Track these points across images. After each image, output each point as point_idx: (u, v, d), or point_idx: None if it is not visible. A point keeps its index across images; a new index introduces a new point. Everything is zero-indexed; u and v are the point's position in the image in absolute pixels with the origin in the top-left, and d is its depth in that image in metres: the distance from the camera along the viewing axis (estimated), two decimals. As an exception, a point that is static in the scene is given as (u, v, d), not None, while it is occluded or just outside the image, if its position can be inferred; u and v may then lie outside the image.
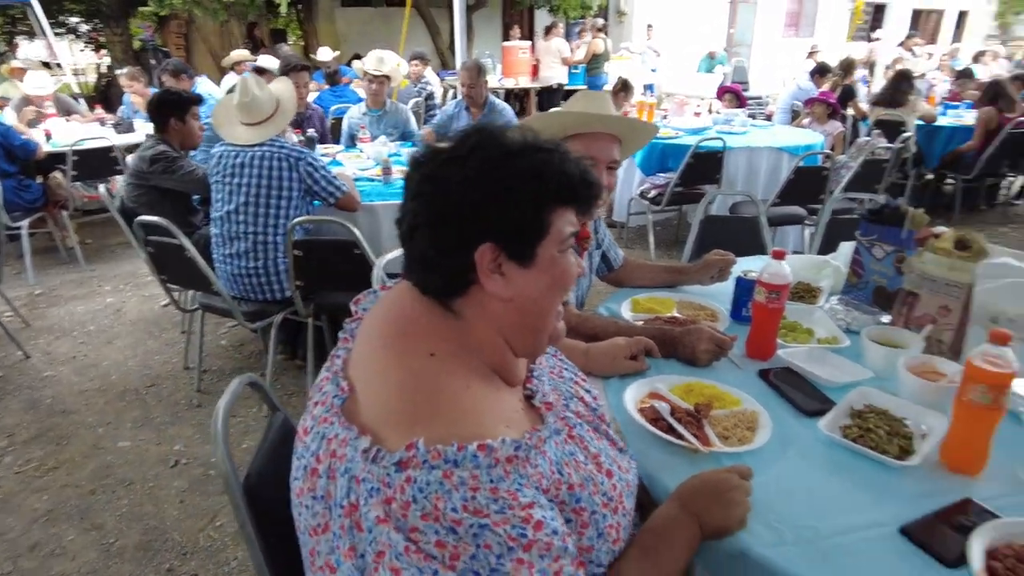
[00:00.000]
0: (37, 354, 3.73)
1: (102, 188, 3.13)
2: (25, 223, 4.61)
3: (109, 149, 4.94)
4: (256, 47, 11.03)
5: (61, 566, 2.23)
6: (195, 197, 3.51)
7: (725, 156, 4.62)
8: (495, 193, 0.85)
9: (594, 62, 10.49)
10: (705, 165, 4.61)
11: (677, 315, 1.77)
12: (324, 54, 8.82)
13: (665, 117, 5.89)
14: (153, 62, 11.20)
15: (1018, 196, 6.61)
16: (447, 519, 0.73)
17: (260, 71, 5.05)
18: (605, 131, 1.65)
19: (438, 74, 10.74)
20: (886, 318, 1.69)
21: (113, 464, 2.75)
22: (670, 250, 5.36)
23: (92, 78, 13.54)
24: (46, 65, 9.12)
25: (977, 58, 7.87)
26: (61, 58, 9.24)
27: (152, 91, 6.34)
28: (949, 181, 6.31)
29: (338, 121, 5.39)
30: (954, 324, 1.50)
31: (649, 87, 10.85)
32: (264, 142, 2.77)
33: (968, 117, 6.31)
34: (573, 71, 10.85)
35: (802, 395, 1.39)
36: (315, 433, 0.85)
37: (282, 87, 3.05)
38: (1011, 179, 6.50)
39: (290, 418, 1.38)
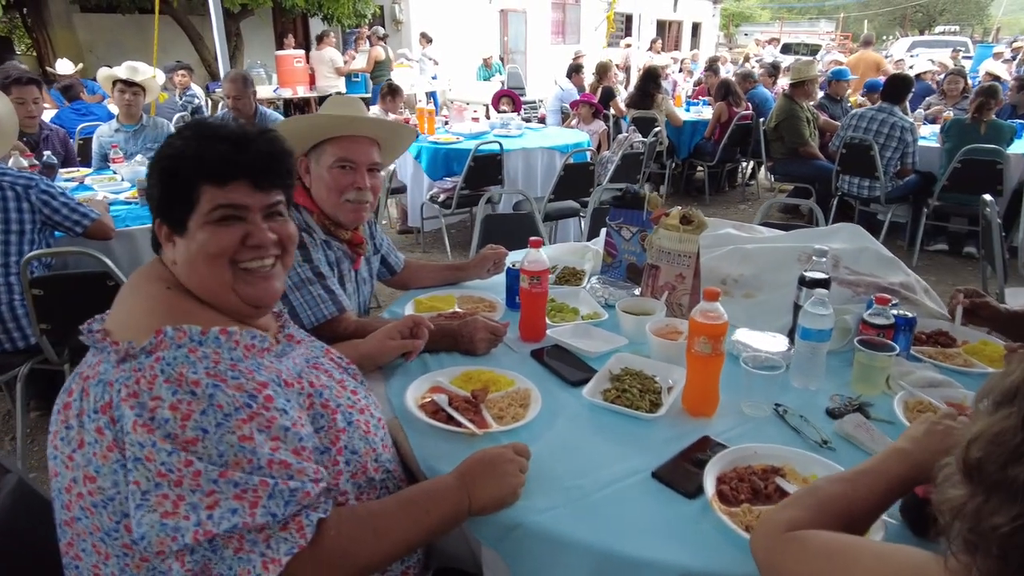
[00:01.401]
0: None
1: None
2: None
3: None
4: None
5: None
6: None
7: (504, 158, 4.86)
8: (152, 175, 1.03)
9: (377, 70, 10.43)
10: (487, 167, 4.81)
11: (458, 310, 1.84)
12: (63, 66, 7.72)
13: (447, 123, 6.05)
14: None
15: (751, 178, 7.77)
16: (188, 382, 0.86)
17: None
18: (357, 133, 1.66)
19: (207, 86, 9.98)
20: (637, 291, 1.90)
21: None
22: (466, 250, 5.50)
23: None
24: None
25: (712, 64, 9.14)
26: None
27: None
28: (699, 169, 7.25)
29: (87, 141, 4.77)
30: (688, 289, 1.73)
31: (432, 95, 11.04)
32: None
33: (707, 112, 7.28)
34: (354, 79, 10.69)
35: (569, 368, 1.52)
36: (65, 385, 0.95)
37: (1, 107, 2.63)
38: (744, 164, 7.63)
39: (29, 481, 1.21)
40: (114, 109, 5.21)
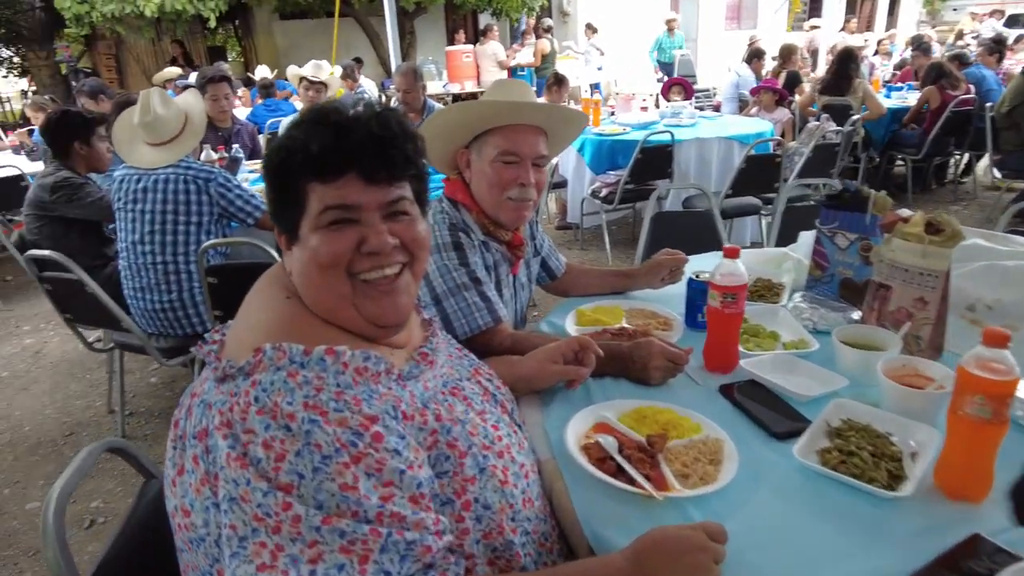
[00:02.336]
0: (-60, 410, 3.37)
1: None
2: (-71, 264, 4.23)
3: (20, 178, 4.56)
4: (189, 65, 10.60)
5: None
6: (111, 225, 3.22)
7: (675, 149, 4.48)
8: (266, 177, 0.90)
9: (544, 63, 10.34)
10: (655, 160, 4.46)
11: (626, 326, 1.58)
12: (262, 72, 8.50)
13: (613, 113, 5.75)
14: (75, 84, 10.68)
15: (964, 174, 6.64)
16: (283, 414, 0.72)
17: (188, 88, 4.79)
18: (523, 122, 1.45)
19: (382, 83, 10.49)
20: (856, 314, 1.53)
21: (18, 531, 2.44)
22: (627, 249, 5.21)
23: (19, 105, 12.89)
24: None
25: (919, 43, 7.94)
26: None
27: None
28: (899, 162, 6.31)
29: (274, 135, 5.13)
30: (932, 318, 1.33)
31: (596, 86, 10.75)
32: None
33: (912, 98, 6.32)
34: (519, 72, 10.68)
35: (771, 413, 1.20)
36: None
37: (191, 100, 2.77)
38: (958, 157, 6.53)
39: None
40: (299, 105, 5.57)
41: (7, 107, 14.02)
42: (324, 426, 0.73)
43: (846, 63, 5.79)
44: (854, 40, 9.99)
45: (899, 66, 8.90)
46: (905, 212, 1.44)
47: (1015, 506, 0.87)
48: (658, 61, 11.50)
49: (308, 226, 0.86)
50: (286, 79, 8.67)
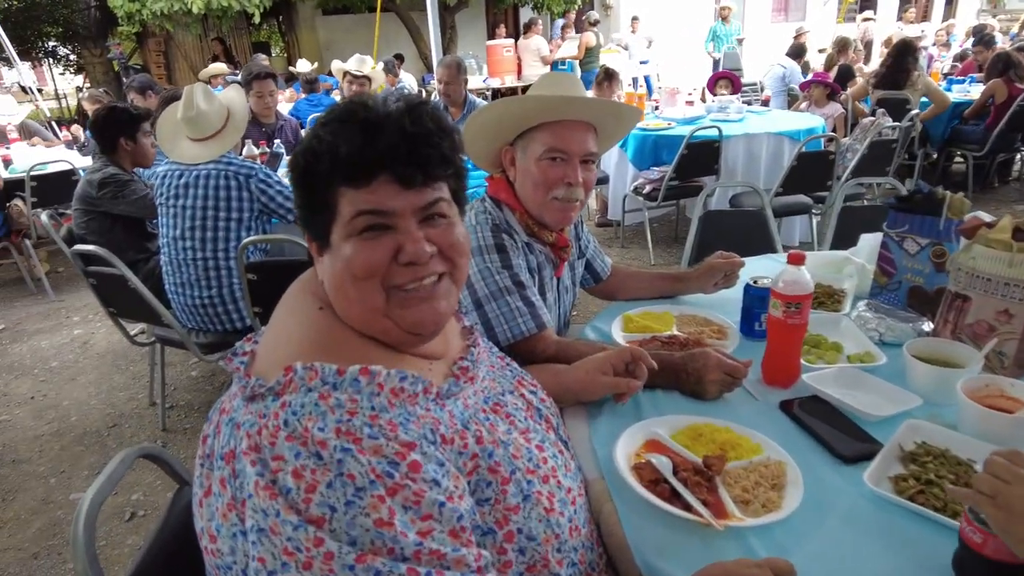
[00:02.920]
0: (-6, 397, 3.46)
1: (44, 215, 2.86)
2: (-15, 255, 4.37)
3: (71, 172, 4.67)
4: (230, 62, 10.78)
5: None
6: (154, 220, 3.25)
7: (722, 145, 4.34)
8: (293, 181, 0.85)
9: (587, 56, 10.19)
10: (701, 156, 4.33)
11: (677, 333, 1.49)
12: (302, 65, 8.57)
13: (657, 108, 5.61)
14: (126, 80, 10.97)
15: (1030, 171, 6.31)
16: (314, 441, 0.68)
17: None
18: (574, 118, 1.37)
19: (422, 78, 10.50)
20: (927, 325, 1.42)
21: (62, 521, 2.48)
22: (670, 248, 5.08)
23: (75, 101, 13.33)
24: (24, 90, 8.91)
25: (982, 34, 7.54)
26: (46, 82, 9.08)
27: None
28: (958, 159, 6.01)
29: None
30: (1018, 332, 1.22)
31: (646, 79, 10.55)
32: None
33: (975, 92, 6.02)
34: (560, 66, 10.56)
35: (837, 433, 1.11)
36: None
37: (233, 96, 2.77)
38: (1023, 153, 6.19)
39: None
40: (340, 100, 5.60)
41: (64, 103, 14.50)
42: (358, 455, 0.68)
43: (904, 55, 5.52)
44: (911, 31, 9.58)
45: (959, 58, 8.49)
46: (988, 217, 1.33)
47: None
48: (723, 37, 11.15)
49: (340, 233, 0.80)
50: (328, 73, 8.76)
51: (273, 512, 0.66)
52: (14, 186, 4.60)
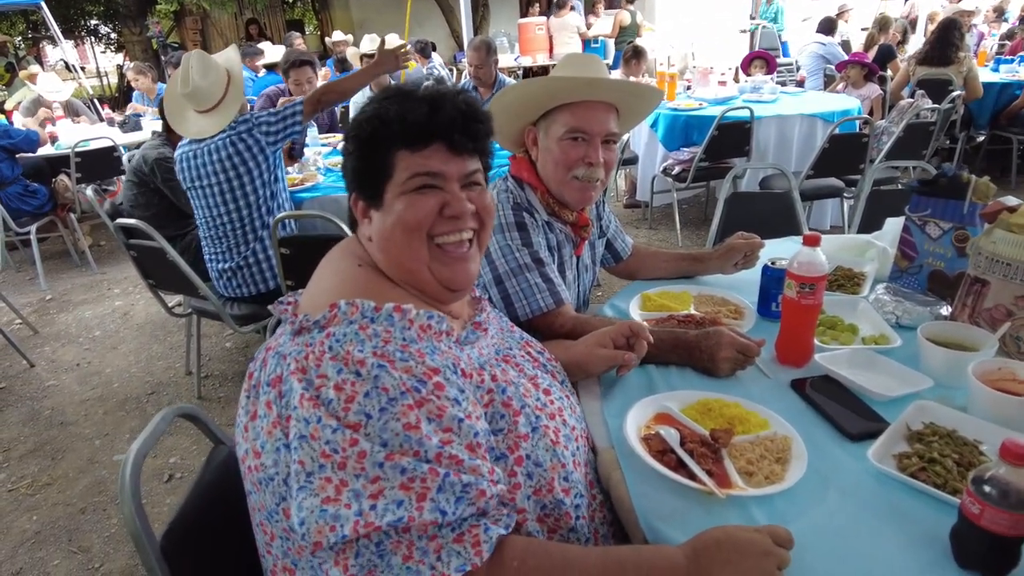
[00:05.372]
0: (42, 363, 3.64)
1: (89, 190, 2.98)
2: (33, 228, 4.54)
3: (113, 149, 4.82)
4: (266, 39, 10.88)
5: (43, 596, 2.10)
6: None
7: (754, 126, 4.29)
8: (348, 143, 0.98)
9: (621, 35, 10.05)
10: (732, 137, 4.28)
11: (694, 312, 1.52)
12: (338, 36, 8.68)
13: (688, 88, 5.55)
14: (164, 58, 11.17)
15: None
16: (354, 361, 0.78)
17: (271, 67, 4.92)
18: (596, 98, 1.40)
19: (454, 56, 10.48)
20: (945, 309, 1.42)
21: (106, 480, 2.62)
22: (698, 230, 5.05)
23: (116, 79, 13.64)
24: (68, 68, 9.15)
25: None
26: (88, 60, 9.30)
27: (160, 87, 6.24)
28: (1007, 143, 5.80)
29: (346, 110, 5.22)
30: (1035, 318, 1.22)
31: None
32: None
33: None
34: (593, 45, 10.43)
35: (845, 412, 1.14)
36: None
37: (231, 55, 2.68)
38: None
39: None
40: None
41: (105, 80, 14.84)
42: (391, 371, 0.78)
43: (949, 31, 5.31)
44: (965, 5, 9.17)
45: (1007, 36, 8.16)
46: (1011, 200, 1.32)
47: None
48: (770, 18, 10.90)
49: (394, 192, 0.93)
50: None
51: (315, 419, 0.75)
52: (59, 162, 4.77)
